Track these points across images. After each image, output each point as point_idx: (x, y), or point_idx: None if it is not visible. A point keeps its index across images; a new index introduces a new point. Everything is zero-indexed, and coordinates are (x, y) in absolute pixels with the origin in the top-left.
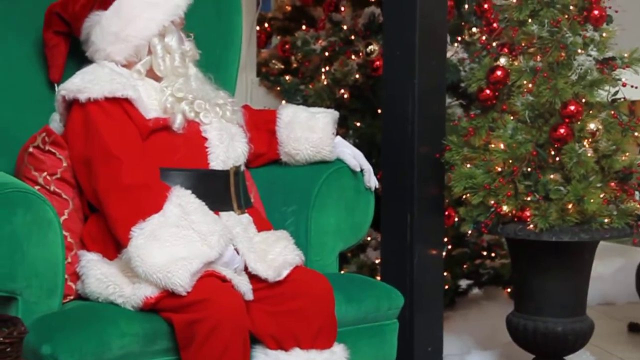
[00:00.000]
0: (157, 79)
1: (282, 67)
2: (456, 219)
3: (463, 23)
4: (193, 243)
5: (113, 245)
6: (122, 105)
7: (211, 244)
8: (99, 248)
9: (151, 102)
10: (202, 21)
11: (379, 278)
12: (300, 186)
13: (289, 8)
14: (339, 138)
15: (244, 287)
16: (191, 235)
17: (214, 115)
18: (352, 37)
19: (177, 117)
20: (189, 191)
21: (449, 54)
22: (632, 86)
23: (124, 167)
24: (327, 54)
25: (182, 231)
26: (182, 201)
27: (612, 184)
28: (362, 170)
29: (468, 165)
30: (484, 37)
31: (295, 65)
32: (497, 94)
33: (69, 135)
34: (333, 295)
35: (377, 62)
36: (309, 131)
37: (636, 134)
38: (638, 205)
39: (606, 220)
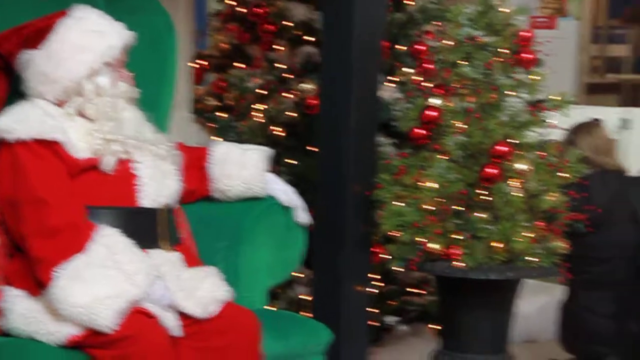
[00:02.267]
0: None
1: (218, 104)
2: (385, 256)
3: (397, 63)
4: (118, 283)
5: (38, 284)
6: (52, 146)
7: (137, 282)
8: (24, 285)
9: (81, 144)
10: (138, 58)
11: (308, 314)
12: (231, 222)
13: (225, 45)
14: (270, 175)
15: (171, 322)
16: (116, 275)
17: (147, 154)
18: (288, 76)
19: (108, 158)
20: (115, 230)
21: (382, 93)
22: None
23: (51, 209)
24: (262, 91)
25: (107, 271)
26: (108, 241)
27: (540, 223)
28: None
29: (399, 203)
30: (418, 78)
31: (230, 102)
32: (429, 133)
33: None
34: (260, 332)
35: (312, 101)
36: (241, 167)
37: (564, 174)
38: (564, 245)
39: (533, 259)
